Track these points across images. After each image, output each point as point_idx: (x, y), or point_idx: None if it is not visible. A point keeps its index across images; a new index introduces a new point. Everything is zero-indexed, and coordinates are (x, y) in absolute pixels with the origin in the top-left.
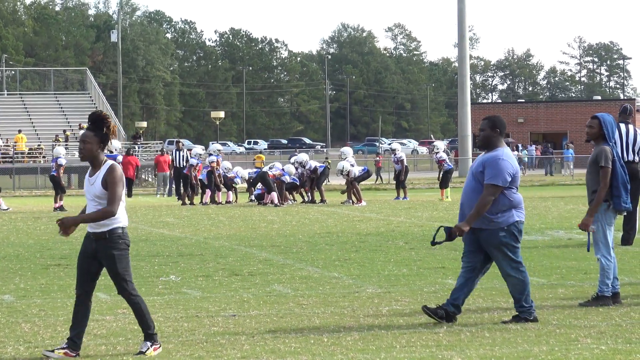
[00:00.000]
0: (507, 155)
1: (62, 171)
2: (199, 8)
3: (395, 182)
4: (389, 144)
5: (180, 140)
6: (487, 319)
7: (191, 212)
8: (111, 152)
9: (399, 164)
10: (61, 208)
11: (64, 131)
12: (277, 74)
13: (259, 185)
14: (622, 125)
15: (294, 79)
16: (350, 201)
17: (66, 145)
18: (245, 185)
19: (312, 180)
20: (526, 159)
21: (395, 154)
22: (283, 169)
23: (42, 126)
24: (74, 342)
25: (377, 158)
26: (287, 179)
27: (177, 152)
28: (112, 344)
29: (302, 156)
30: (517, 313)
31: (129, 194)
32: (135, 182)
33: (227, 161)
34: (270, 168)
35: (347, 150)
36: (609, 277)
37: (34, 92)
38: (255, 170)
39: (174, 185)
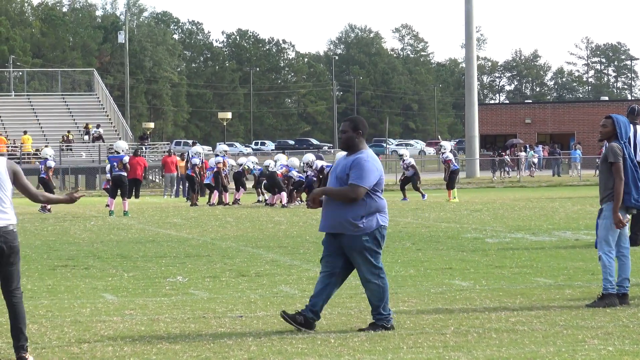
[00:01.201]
0: (372, 158)
1: (51, 173)
2: (206, 9)
3: (400, 184)
4: (396, 145)
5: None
6: (494, 319)
7: (198, 213)
8: (118, 152)
9: (410, 169)
10: (47, 209)
11: (68, 132)
12: (285, 74)
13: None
14: (630, 126)
15: (301, 80)
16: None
17: (70, 146)
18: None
19: (320, 181)
20: (535, 160)
21: (404, 160)
22: (287, 165)
23: (49, 127)
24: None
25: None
26: (294, 174)
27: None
28: (120, 345)
29: (309, 157)
30: (374, 321)
31: (137, 195)
32: (142, 183)
33: (231, 159)
34: (274, 165)
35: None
36: (612, 274)
37: (42, 93)
38: (259, 168)
39: (181, 187)
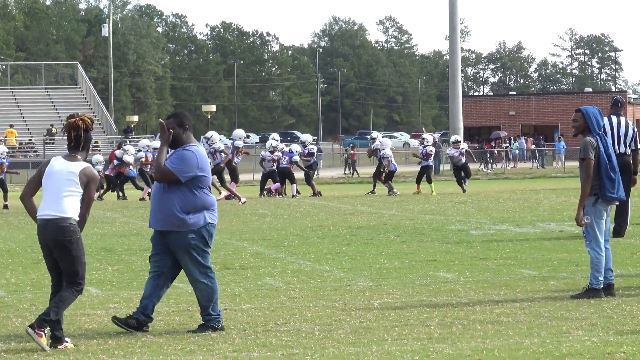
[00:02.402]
0: (199, 152)
1: (3, 169)
2: (189, 2)
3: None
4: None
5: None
6: (479, 311)
7: None
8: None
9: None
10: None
11: (51, 125)
12: (269, 67)
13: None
14: (614, 118)
15: (286, 73)
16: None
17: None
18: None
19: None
20: (517, 151)
21: (425, 145)
22: (290, 150)
23: (34, 120)
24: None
25: (352, 152)
26: (297, 158)
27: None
28: (104, 339)
29: (306, 136)
30: (203, 322)
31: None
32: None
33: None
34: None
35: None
36: (599, 270)
37: (25, 87)
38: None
39: None
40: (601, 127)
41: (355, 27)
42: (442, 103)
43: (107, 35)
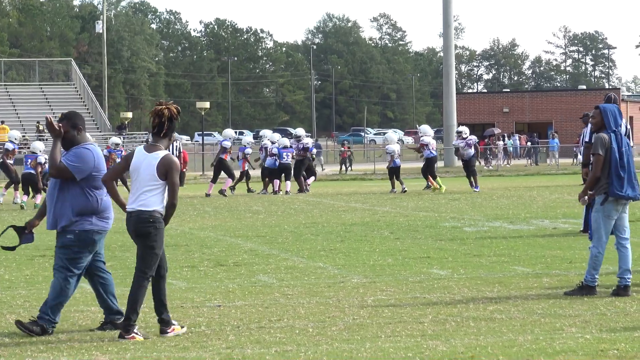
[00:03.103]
0: (96, 152)
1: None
2: None
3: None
4: (374, 134)
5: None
6: (472, 308)
7: None
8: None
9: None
10: None
11: (37, 122)
12: (263, 64)
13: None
14: None
15: (279, 69)
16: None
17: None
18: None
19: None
20: (511, 149)
21: (465, 137)
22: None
23: (27, 117)
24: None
25: (342, 149)
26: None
27: (171, 143)
28: (97, 335)
29: (300, 130)
30: (37, 317)
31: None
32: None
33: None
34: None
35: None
36: (596, 267)
37: (19, 83)
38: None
39: None
40: (618, 124)
41: (349, 24)
42: (436, 100)
43: (101, 31)
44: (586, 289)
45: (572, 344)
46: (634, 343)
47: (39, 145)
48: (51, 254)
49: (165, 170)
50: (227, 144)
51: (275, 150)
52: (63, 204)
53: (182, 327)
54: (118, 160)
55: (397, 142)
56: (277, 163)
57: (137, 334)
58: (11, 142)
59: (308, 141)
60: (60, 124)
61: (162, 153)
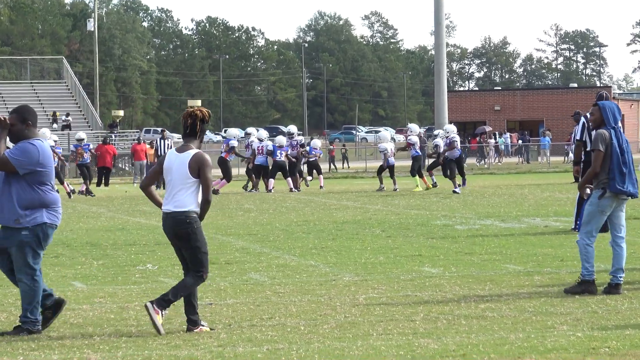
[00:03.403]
0: (42, 147)
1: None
2: None
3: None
4: (365, 132)
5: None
6: (464, 306)
7: None
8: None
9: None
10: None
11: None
12: (254, 62)
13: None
14: None
15: (271, 68)
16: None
17: None
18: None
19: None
20: (502, 147)
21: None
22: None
23: None
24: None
25: (331, 147)
26: (318, 144)
27: (162, 141)
28: (89, 333)
29: (292, 128)
30: (20, 323)
31: (107, 183)
32: (112, 170)
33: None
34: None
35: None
36: (588, 260)
37: (10, 81)
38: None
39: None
40: (617, 121)
41: (341, 22)
42: (428, 98)
43: (92, 29)
44: (585, 284)
45: (563, 342)
46: (625, 341)
47: None
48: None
49: (197, 167)
50: (234, 142)
51: (271, 147)
52: (8, 198)
53: (211, 329)
54: (86, 154)
55: (391, 141)
56: (270, 161)
57: (203, 325)
58: None
59: (301, 138)
60: (9, 117)
61: (193, 151)
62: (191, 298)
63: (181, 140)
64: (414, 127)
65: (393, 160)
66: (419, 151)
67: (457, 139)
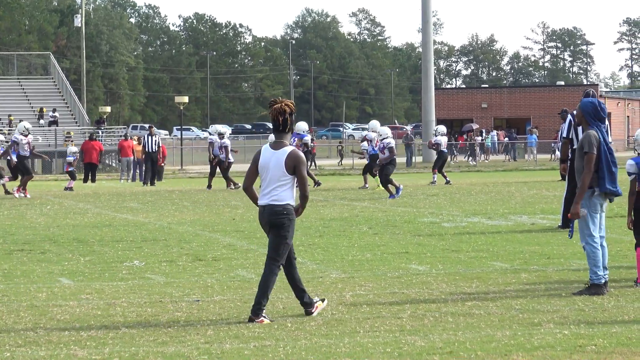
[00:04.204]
0: None
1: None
2: None
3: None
4: (352, 130)
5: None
6: (451, 303)
7: (155, 197)
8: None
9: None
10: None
11: (9, 116)
12: (241, 59)
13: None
14: None
15: (258, 64)
16: None
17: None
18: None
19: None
20: (489, 144)
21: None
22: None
23: (5, 111)
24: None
25: (312, 144)
26: (308, 139)
27: (150, 137)
28: (76, 330)
29: (302, 125)
30: None
31: (93, 179)
32: (99, 167)
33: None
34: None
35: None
36: (597, 264)
37: None
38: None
39: (138, 171)
40: (599, 116)
41: (328, 19)
42: (415, 95)
43: (79, 25)
44: (594, 288)
45: (550, 340)
46: (611, 339)
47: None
48: (30, 248)
49: (293, 165)
50: (226, 141)
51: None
52: None
53: (322, 300)
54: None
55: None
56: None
57: (265, 317)
58: None
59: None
60: None
61: (288, 149)
62: (297, 284)
63: (168, 136)
64: (375, 124)
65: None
66: (376, 150)
67: (393, 143)
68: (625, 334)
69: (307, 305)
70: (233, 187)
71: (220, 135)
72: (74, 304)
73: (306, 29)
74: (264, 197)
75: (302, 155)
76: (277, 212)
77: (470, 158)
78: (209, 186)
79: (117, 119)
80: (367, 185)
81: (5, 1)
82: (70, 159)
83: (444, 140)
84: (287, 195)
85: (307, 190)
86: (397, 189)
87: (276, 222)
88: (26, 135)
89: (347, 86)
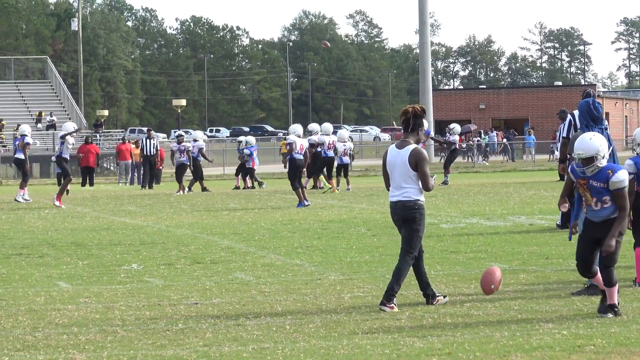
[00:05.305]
0: None
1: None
2: None
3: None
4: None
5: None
6: (449, 305)
7: (153, 200)
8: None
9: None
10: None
11: (0, 120)
12: (239, 61)
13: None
14: None
15: (256, 67)
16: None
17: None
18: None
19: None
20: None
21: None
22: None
23: (3, 115)
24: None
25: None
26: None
27: (148, 141)
28: (74, 333)
29: (315, 126)
30: None
31: (91, 183)
32: (96, 170)
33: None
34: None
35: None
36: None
37: None
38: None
39: (136, 174)
40: (592, 116)
41: (325, 21)
42: (413, 97)
43: (76, 29)
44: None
45: (549, 340)
46: (610, 339)
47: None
48: (28, 252)
49: (415, 161)
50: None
51: (247, 151)
52: None
53: (444, 296)
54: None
55: (347, 140)
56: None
57: (395, 305)
58: None
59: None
60: None
61: (411, 147)
62: (422, 276)
63: (166, 140)
64: (327, 126)
65: (346, 160)
66: (327, 152)
67: (325, 140)
68: (624, 334)
69: (430, 297)
70: (182, 192)
71: (180, 139)
72: (73, 307)
73: (303, 31)
74: (395, 194)
75: (424, 152)
76: (409, 207)
77: (482, 157)
78: (203, 189)
79: (115, 123)
80: (339, 188)
81: (1, 5)
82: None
83: (457, 139)
84: (416, 192)
85: (429, 186)
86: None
87: (408, 216)
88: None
89: (345, 88)
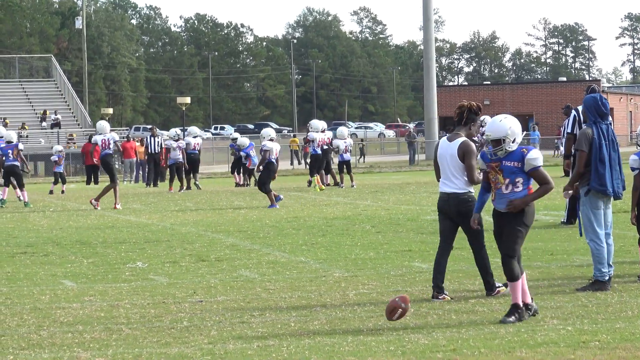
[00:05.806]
0: None
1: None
2: None
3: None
4: (355, 128)
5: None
6: (454, 301)
7: (157, 198)
8: (10, 142)
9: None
10: None
11: (4, 119)
12: (243, 59)
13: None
14: None
15: (260, 64)
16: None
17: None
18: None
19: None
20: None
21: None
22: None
23: (8, 114)
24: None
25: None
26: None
27: (152, 138)
28: (79, 332)
29: (319, 123)
30: None
31: (96, 181)
32: (101, 168)
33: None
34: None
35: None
36: (602, 261)
37: None
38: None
39: (141, 172)
40: (600, 112)
41: (330, 18)
42: (417, 93)
43: (81, 27)
44: (598, 284)
45: (553, 336)
46: (615, 334)
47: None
48: (33, 250)
49: (463, 153)
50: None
51: (243, 154)
52: None
53: (506, 285)
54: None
55: (347, 137)
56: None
57: (500, 286)
58: None
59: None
60: None
61: (460, 139)
62: (439, 268)
63: (170, 139)
64: (316, 123)
65: (348, 156)
66: (317, 150)
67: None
68: (629, 330)
69: (489, 287)
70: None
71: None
72: (77, 306)
73: (308, 28)
74: (446, 186)
75: (472, 145)
76: (464, 200)
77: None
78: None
79: (120, 121)
80: (342, 185)
81: (6, 4)
82: (54, 158)
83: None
84: (464, 184)
85: (474, 178)
86: (278, 197)
87: (465, 210)
88: (176, 140)
89: (349, 85)
